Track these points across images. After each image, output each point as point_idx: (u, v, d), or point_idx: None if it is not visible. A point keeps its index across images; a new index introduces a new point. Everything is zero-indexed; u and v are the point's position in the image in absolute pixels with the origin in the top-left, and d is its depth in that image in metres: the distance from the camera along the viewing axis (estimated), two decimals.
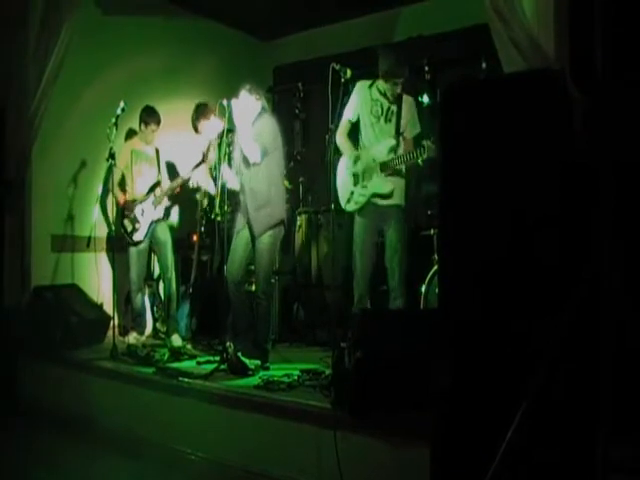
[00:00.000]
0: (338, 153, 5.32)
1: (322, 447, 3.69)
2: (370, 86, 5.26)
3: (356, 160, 5.25)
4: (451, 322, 2.80)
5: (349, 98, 5.16)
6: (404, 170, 5.18)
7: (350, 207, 5.28)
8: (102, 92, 6.78)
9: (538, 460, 2.42)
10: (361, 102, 5.24)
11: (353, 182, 5.25)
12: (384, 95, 5.22)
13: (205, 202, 6.77)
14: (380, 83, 5.21)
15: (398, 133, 5.17)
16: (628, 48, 2.55)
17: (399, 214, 5.20)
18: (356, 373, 3.60)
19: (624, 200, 2.46)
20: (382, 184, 5.14)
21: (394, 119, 5.19)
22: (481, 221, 2.74)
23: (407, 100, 5.25)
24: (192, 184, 6.35)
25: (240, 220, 5.30)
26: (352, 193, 5.24)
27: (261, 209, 5.18)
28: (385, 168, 5.13)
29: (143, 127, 6.43)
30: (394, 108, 5.20)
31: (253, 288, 5.44)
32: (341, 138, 5.28)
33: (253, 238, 5.21)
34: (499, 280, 2.64)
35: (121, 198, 6.35)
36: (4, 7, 6.24)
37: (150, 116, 6.40)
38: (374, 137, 5.25)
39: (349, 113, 5.25)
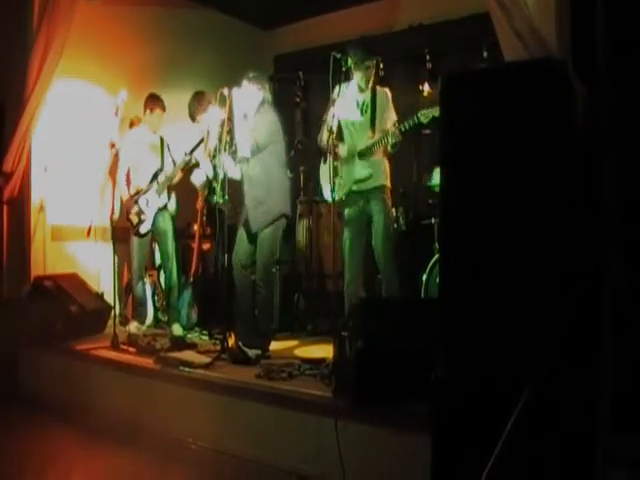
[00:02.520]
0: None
1: (323, 436, 3.70)
2: (346, 87, 5.39)
3: (335, 154, 5.35)
4: (452, 311, 2.81)
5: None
6: (382, 154, 5.41)
7: (332, 197, 5.36)
8: (102, 82, 6.77)
9: (538, 452, 2.42)
10: (339, 104, 5.33)
11: (334, 174, 5.30)
12: (358, 89, 5.41)
13: (205, 191, 6.75)
14: (353, 80, 5.39)
15: (373, 123, 5.36)
16: (630, 37, 2.54)
17: (381, 194, 5.37)
18: (357, 362, 3.61)
19: (627, 192, 2.45)
20: (360, 170, 5.36)
21: (369, 111, 5.39)
22: (482, 210, 2.74)
23: (380, 92, 5.47)
24: (192, 161, 6.34)
25: (243, 212, 5.33)
26: (334, 184, 5.29)
27: (259, 206, 5.23)
28: (362, 155, 5.37)
29: (148, 113, 6.43)
30: (368, 101, 5.40)
31: (253, 277, 5.46)
32: (323, 141, 5.50)
33: (249, 230, 5.27)
34: (501, 270, 2.64)
35: (125, 190, 6.36)
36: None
37: (155, 102, 6.40)
38: (354, 130, 5.46)
39: (329, 117, 5.31)
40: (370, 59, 5.31)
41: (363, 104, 5.41)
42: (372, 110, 5.38)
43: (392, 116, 5.41)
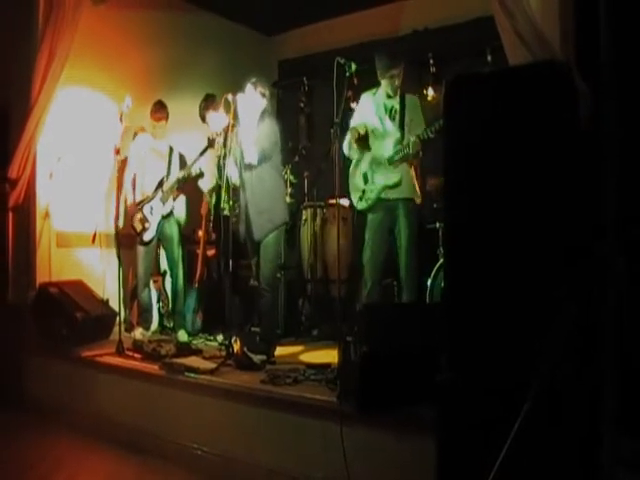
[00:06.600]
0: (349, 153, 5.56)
1: (328, 441, 3.69)
2: (374, 93, 5.48)
3: (363, 161, 5.46)
4: (456, 315, 2.80)
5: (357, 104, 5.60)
6: (408, 163, 5.38)
7: (362, 205, 5.47)
8: (107, 88, 6.79)
9: (544, 453, 2.41)
10: (366, 110, 5.47)
11: (363, 181, 5.45)
12: (386, 96, 5.42)
13: (212, 197, 6.74)
14: (381, 86, 5.43)
15: (402, 128, 5.36)
16: (634, 38, 2.53)
17: (408, 207, 5.35)
18: (362, 367, 3.60)
19: (631, 193, 2.44)
20: (389, 175, 5.33)
21: (397, 116, 5.40)
22: (486, 214, 2.73)
23: (409, 100, 5.48)
24: (195, 170, 6.35)
25: (244, 222, 5.34)
26: (363, 192, 5.43)
27: (263, 214, 5.25)
28: (391, 161, 5.34)
29: (153, 123, 6.45)
30: (397, 107, 5.41)
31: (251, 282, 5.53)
32: (347, 145, 5.51)
33: (251, 238, 5.30)
34: (505, 273, 2.64)
35: (131, 196, 6.38)
36: (9, 4, 6.25)
37: (159, 111, 6.42)
38: (381, 136, 5.43)
39: (354, 121, 5.50)
40: (395, 67, 5.31)
41: (392, 110, 5.42)
42: (401, 116, 5.39)
43: (421, 123, 5.38)
